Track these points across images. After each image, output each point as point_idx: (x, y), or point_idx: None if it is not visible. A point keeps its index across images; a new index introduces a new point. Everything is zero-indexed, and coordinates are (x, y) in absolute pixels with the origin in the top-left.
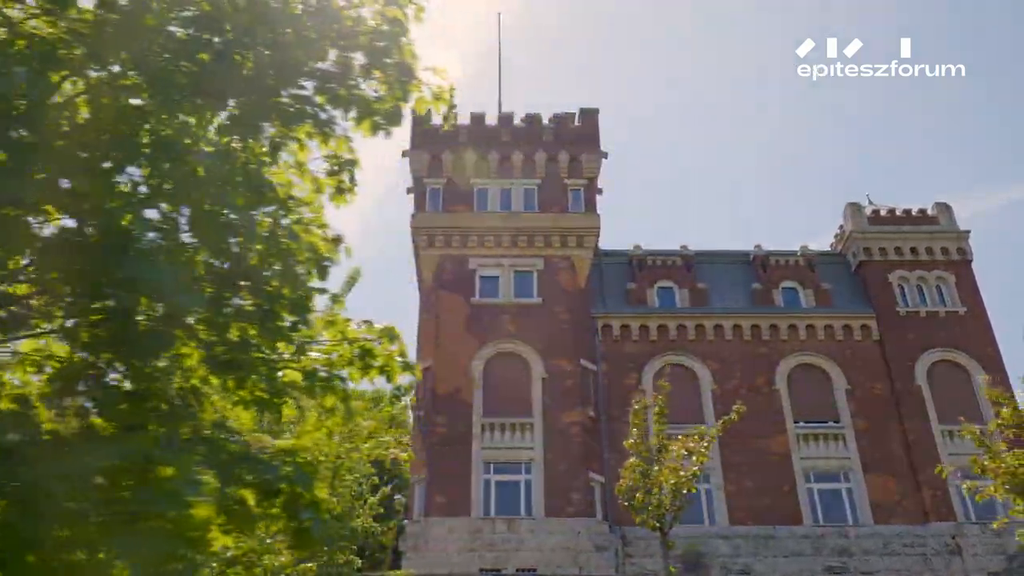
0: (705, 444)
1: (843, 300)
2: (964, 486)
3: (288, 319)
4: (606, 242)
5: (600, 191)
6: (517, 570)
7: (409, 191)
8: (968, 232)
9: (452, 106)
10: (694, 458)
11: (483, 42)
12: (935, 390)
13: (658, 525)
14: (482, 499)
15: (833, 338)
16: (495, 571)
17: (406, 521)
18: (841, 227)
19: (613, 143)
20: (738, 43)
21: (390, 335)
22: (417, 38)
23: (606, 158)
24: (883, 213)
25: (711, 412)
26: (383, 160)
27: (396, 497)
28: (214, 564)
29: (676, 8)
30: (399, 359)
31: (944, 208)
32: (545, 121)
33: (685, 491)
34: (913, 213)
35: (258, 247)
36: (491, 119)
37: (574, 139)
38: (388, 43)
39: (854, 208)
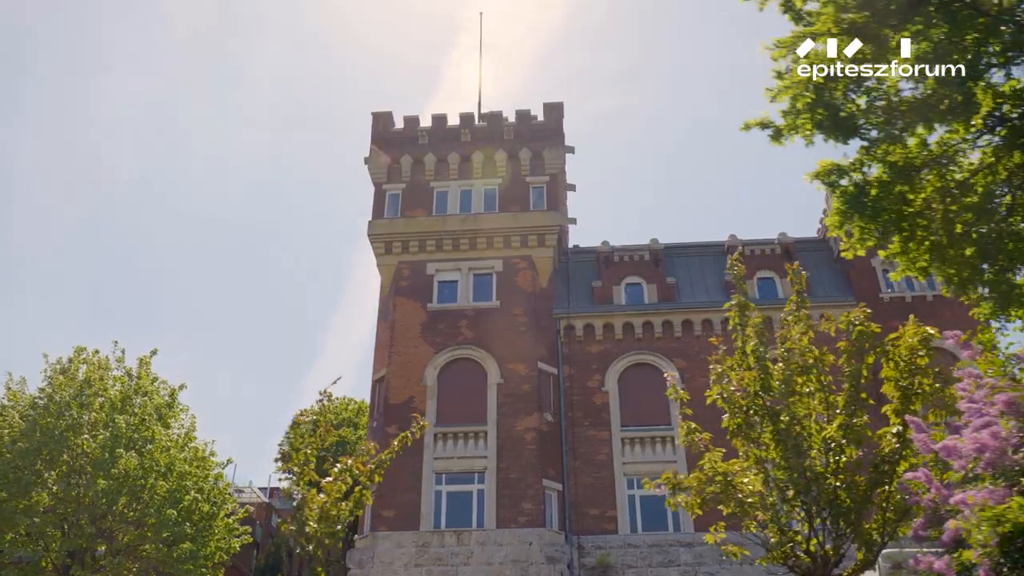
0: (371, 468)
1: (824, 289)
2: (662, 496)
3: None
4: (586, 241)
5: (572, 187)
6: None
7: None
8: None
9: None
10: (357, 488)
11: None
12: None
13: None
14: (432, 511)
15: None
16: None
17: (355, 536)
18: (824, 211)
19: (604, 143)
20: (738, 42)
21: None
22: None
23: (572, 152)
24: None
25: (678, 413)
26: None
27: None
28: None
29: (677, 7)
30: None
31: None
32: (508, 119)
33: (339, 524)
34: None
35: None
36: (453, 120)
37: (537, 136)
38: None
39: None
